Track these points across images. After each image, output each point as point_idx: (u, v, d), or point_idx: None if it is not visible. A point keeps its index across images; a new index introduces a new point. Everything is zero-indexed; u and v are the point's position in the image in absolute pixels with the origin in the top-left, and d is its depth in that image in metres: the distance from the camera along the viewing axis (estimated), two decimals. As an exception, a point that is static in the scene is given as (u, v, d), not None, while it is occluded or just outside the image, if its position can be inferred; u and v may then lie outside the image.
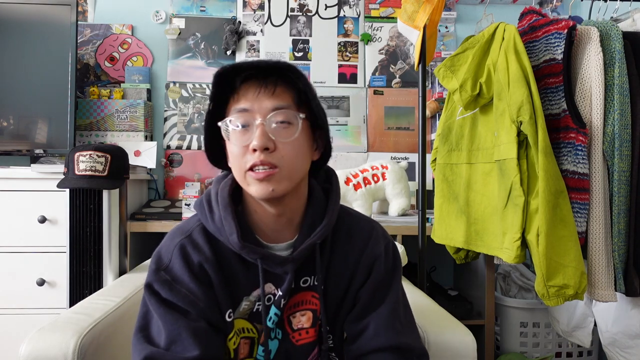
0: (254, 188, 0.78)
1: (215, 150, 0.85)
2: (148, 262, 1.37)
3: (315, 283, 0.87)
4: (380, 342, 0.85)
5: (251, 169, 0.77)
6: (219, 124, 0.80)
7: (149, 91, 2.29)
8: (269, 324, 0.86)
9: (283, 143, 0.77)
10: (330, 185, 0.91)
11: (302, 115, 0.79)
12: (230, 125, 0.79)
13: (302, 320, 0.89)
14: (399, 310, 0.89)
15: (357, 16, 2.42)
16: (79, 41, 2.17)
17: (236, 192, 0.87)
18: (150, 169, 2.19)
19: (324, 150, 0.87)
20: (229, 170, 0.87)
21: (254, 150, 0.76)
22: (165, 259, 0.84)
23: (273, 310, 0.86)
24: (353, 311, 0.89)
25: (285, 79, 0.79)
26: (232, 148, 0.79)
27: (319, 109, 0.82)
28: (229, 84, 0.80)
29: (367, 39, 2.41)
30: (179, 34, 2.36)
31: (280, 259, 0.83)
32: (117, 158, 1.66)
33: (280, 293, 0.85)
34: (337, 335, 0.91)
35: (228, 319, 0.84)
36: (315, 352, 0.92)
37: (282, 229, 0.86)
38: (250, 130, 0.77)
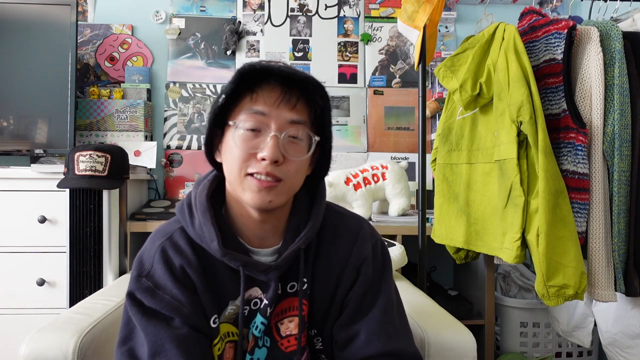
0: (249, 195, 0.75)
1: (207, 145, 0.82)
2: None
3: (303, 288, 0.85)
4: (373, 349, 0.83)
5: (252, 174, 0.74)
6: (230, 122, 0.76)
7: (149, 91, 2.29)
8: (256, 332, 0.84)
9: (291, 159, 0.75)
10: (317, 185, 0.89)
11: (317, 138, 0.78)
12: (242, 126, 0.75)
13: (290, 326, 0.86)
14: (390, 313, 0.86)
15: (357, 16, 2.42)
16: (79, 41, 2.17)
17: (217, 194, 0.84)
18: (150, 169, 2.18)
19: (322, 166, 0.86)
20: (216, 167, 0.84)
21: (263, 159, 0.73)
22: (146, 264, 0.81)
23: (259, 318, 0.84)
24: (343, 315, 0.86)
25: (307, 95, 0.77)
26: (235, 149, 0.75)
27: (331, 134, 0.82)
28: (246, 81, 0.76)
29: (367, 39, 2.41)
30: (179, 34, 2.36)
31: (263, 267, 0.80)
32: (117, 158, 1.67)
33: (266, 301, 0.83)
34: (326, 337, 0.89)
35: (213, 325, 0.81)
36: (305, 357, 0.90)
37: (267, 235, 0.83)
38: (261, 137, 0.75)
